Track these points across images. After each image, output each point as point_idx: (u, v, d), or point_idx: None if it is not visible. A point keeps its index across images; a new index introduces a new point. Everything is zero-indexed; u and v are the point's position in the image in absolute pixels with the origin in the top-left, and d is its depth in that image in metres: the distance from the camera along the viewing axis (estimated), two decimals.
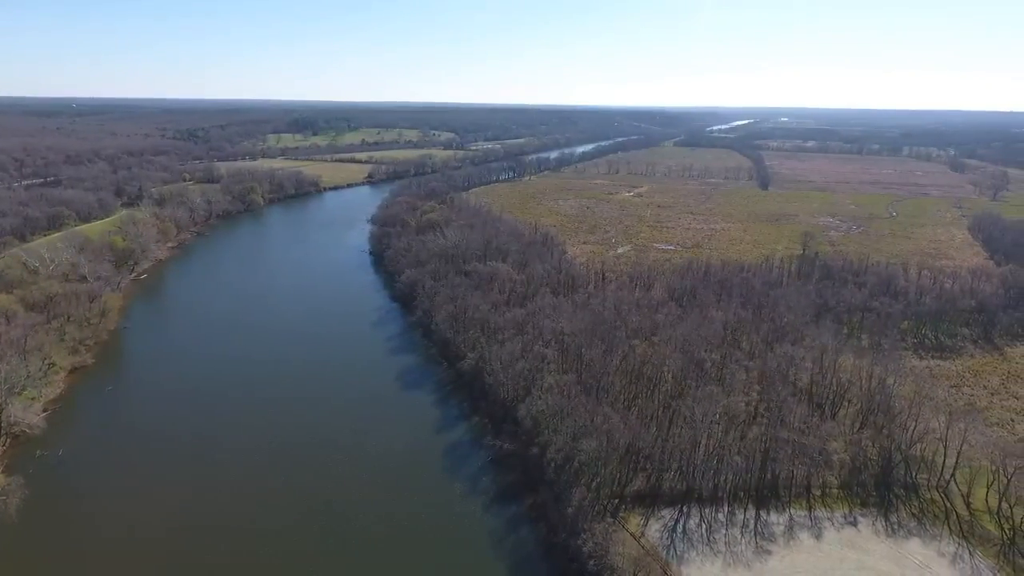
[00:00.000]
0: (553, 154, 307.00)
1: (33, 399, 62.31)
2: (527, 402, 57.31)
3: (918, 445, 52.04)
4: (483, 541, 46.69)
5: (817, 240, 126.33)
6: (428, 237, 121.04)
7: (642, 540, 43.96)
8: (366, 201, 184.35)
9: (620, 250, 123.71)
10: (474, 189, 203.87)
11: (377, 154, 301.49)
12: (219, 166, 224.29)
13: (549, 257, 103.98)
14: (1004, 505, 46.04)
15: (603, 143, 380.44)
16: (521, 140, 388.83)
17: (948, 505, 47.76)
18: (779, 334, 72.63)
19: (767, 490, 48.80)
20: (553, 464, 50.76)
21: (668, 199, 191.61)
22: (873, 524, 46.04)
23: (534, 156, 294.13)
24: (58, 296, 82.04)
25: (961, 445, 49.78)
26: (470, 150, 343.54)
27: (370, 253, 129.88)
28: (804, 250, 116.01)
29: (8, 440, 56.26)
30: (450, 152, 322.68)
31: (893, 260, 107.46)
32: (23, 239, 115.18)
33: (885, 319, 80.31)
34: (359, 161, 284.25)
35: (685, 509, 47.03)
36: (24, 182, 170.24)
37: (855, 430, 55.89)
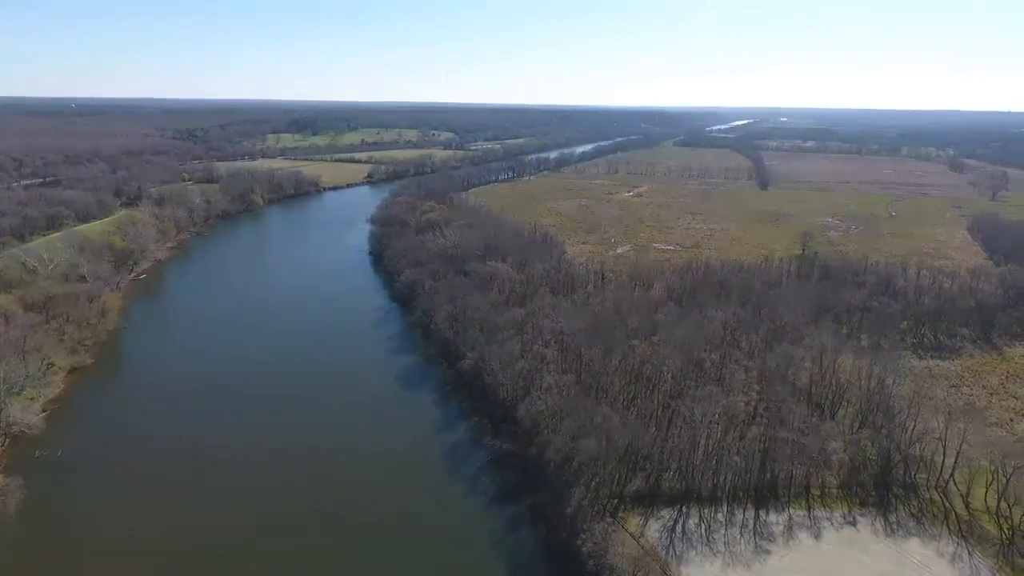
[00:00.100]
0: (553, 154, 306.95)
1: (32, 399, 62.26)
2: (526, 402, 57.29)
3: (917, 445, 52.04)
4: (482, 541, 46.67)
5: (816, 240, 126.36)
6: (428, 237, 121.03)
7: (641, 540, 43.95)
8: (366, 201, 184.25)
9: (620, 250, 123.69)
10: (474, 189, 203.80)
11: (377, 154, 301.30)
12: (218, 166, 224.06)
13: (549, 257, 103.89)
14: (1003, 505, 46.06)
15: (603, 143, 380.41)
16: (521, 140, 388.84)
17: (947, 505, 47.77)
18: (778, 334, 72.65)
19: (766, 490, 48.79)
20: (552, 464, 50.73)
21: (667, 199, 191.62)
22: (872, 524, 46.04)
23: (534, 156, 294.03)
24: (57, 296, 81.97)
25: (960, 445, 49.78)
26: (470, 150, 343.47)
27: (370, 253, 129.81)
28: (803, 250, 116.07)
29: (7, 440, 56.18)
30: (450, 152, 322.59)
31: (892, 260, 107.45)
32: (22, 239, 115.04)
33: (884, 319, 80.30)
34: (359, 161, 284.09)
35: (684, 509, 47.01)
36: (23, 182, 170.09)
37: (854, 430, 55.91)
